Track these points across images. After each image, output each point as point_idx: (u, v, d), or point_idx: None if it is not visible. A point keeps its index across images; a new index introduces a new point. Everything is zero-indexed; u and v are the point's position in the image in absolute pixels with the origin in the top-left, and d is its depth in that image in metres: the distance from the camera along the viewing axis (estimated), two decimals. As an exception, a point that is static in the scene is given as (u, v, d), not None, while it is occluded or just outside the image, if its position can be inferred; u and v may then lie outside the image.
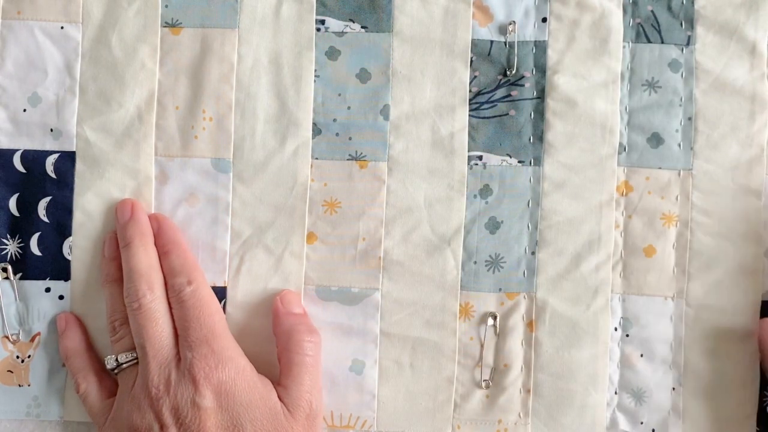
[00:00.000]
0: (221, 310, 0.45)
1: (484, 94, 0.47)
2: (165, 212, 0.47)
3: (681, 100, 0.47)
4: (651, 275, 0.47)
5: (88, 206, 0.47)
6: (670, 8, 0.47)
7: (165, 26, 0.47)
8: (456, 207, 0.47)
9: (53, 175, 0.47)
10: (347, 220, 0.47)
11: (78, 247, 0.47)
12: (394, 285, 0.47)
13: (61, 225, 0.47)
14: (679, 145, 0.47)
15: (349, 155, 0.47)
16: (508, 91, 0.47)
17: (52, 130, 0.47)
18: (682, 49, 0.47)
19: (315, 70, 0.47)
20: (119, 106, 0.47)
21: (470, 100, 0.47)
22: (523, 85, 0.47)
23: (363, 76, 0.47)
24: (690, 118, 0.47)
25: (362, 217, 0.47)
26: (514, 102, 0.47)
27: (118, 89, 0.47)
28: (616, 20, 0.47)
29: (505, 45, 0.47)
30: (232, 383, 0.42)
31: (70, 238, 0.47)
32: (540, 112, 0.47)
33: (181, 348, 0.43)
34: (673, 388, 0.46)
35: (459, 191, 0.47)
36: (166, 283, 0.45)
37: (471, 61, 0.47)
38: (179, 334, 0.44)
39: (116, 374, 0.45)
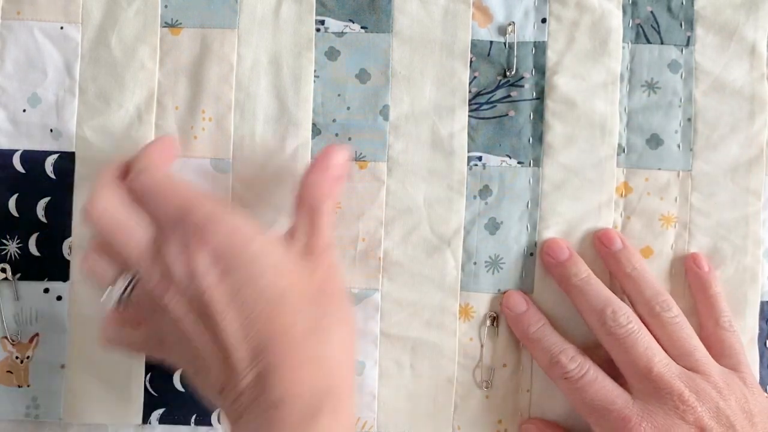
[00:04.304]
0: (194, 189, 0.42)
1: (483, 94, 0.47)
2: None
3: (680, 100, 0.47)
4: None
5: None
6: (669, 9, 0.47)
7: (165, 26, 0.47)
8: (455, 208, 0.47)
9: (52, 176, 0.47)
10: (347, 220, 0.47)
11: (77, 248, 0.47)
12: (393, 285, 0.47)
13: (61, 226, 0.47)
14: (679, 146, 0.47)
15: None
16: (507, 92, 0.47)
17: (51, 130, 0.47)
18: (682, 50, 0.47)
19: (315, 71, 0.47)
20: (119, 106, 0.47)
21: (470, 100, 0.47)
22: (522, 86, 0.47)
23: (363, 76, 0.47)
24: (689, 119, 0.47)
25: (362, 218, 0.47)
26: (514, 103, 0.47)
27: (117, 89, 0.47)
28: (616, 21, 0.47)
29: (505, 46, 0.47)
30: (227, 242, 0.39)
31: (70, 239, 0.47)
32: (539, 113, 0.47)
33: (158, 240, 0.40)
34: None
35: (458, 192, 0.47)
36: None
37: (470, 62, 0.47)
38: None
39: (123, 306, 0.41)
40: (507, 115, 0.47)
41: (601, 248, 0.46)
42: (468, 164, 0.47)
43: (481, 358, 0.47)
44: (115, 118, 0.47)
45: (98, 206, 0.40)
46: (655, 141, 0.47)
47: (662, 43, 0.47)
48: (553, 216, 0.47)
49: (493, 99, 0.47)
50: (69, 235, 0.47)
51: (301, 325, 0.39)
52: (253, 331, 0.38)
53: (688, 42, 0.47)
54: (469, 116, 0.47)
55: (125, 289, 0.40)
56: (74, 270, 0.47)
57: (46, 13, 0.47)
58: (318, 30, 0.47)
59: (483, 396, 0.47)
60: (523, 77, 0.47)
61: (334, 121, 0.47)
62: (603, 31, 0.47)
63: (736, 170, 0.47)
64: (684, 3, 0.47)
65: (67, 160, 0.47)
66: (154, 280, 0.39)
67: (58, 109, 0.47)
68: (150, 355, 0.43)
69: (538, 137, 0.47)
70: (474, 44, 0.47)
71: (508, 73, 0.47)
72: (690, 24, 0.47)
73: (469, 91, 0.47)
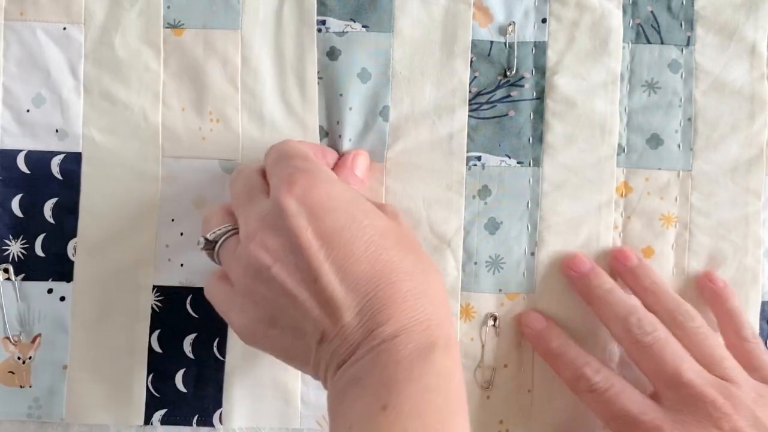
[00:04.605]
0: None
1: (483, 94, 0.47)
2: (172, 214, 0.47)
3: (680, 100, 0.47)
4: (650, 275, 0.47)
5: (94, 207, 0.47)
6: (669, 9, 0.47)
7: (167, 27, 0.47)
8: (455, 208, 0.47)
9: (59, 176, 0.47)
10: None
11: (82, 249, 0.47)
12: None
13: (66, 226, 0.47)
14: (679, 146, 0.47)
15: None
16: (507, 92, 0.47)
17: (57, 131, 0.47)
18: (682, 50, 0.47)
19: (318, 72, 0.47)
20: (124, 107, 0.47)
21: (470, 100, 0.47)
22: (522, 86, 0.47)
23: (364, 76, 0.47)
24: (689, 119, 0.47)
25: None
26: (514, 103, 0.47)
27: (123, 90, 0.47)
28: (616, 21, 0.47)
29: (505, 46, 0.47)
30: (317, 189, 0.38)
31: (74, 240, 0.47)
32: (539, 113, 0.47)
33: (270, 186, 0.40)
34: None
35: (458, 192, 0.47)
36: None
37: (471, 62, 0.47)
38: None
39: (217, 254, 0.41)
40: (507, 115, 0.47)
41: (617, 266, 0.46)
42: (467, 164, 0.47)
43: (482, 358, 0.47)
44: (121, 118, 0.47)
45: (241, 170, 0.42)
46: (655, 141, 0.47)
47: (662, 42, 0.47)
48: (553, 216, 0.47)
49: (493, 99, 0.47)
50: (74, 235, 0.47)
51: (403, 262, 0.38)
52: (355, 269, 0.37)
53: (689, 42, 0.47)
54: (469, 116, 0.47)
55: (223, 235, 0.40)
56: (78, 270, 0.47)
57: (48, 14, 0.47)
58: (320, 30, 0.47)
59: (484, 396, 0.47)
60: (523, 77, 0.47)
61: (338, 122, 0.47)
62: (603, 31, 0.47)
63: (736, 170, 0.47)
64: (684, 3, 0.47)
65: (73, 161, 0.47)
66: (251, 224, 0.39)
67: (63, 109, 0.47)
68: (239, 315, 0.40)
69: (538, 137, 0.47)
70: (474, 44, 0.47)
71: (508, 73, 0.47)
72: (690, 24, 0.47)
73: (470, 91, 0.47)
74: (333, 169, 0.45)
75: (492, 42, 0.47)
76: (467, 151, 0.47)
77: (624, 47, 0.47)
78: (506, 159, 0.47)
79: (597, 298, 0.44)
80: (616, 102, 0.47)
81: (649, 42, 0.47)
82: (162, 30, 0.47)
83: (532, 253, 0.47)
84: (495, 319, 0.47)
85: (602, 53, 0.47)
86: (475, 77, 0.47)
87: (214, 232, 0.41)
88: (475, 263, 0.47)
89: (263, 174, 0.41)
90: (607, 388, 0.42)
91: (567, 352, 0.44)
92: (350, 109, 0.47)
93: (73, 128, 0.47)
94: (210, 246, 0.41)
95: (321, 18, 0.47)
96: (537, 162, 0.47)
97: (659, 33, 0.47)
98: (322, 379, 0.39)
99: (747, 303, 0.46)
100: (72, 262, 0.47)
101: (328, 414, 0.38)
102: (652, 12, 0.47)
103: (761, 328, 0.46)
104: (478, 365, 0.47)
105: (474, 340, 0.47)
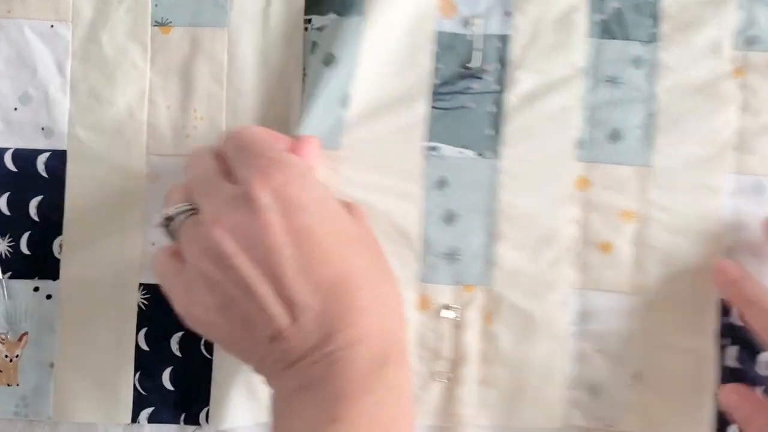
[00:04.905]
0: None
1: (445, 85, 0.47)
2: (156, 211, 0.46)
3: (643, 96, 0.47)
4: (608, 271, 0.46)
5: (80, 205, 0.47)
6: (635, 5, 0.47)
7: (155, 25, 0.48)
8: (413, 198, 0.47)
9: (44, 174, 0.48)
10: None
11: (68, 246, 0.47)
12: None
13: (52, 224, 0.48)
14: (639, 142, 0.47)
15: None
16: (469, 84, 0.47)
17: (43, 128, 0.48)
18: (647, 46, 0.47)
19: (303, 69, 0.47)
20: (110, 104, 0.47)
21: (431, 91, 0.47)
22: (484, 78, 0.47)
23: (328, 60, 0.46)
24: (651, 115, 0.47)
25: None
26: (475, 95, 0.47)
27: (109, 88, 0.47)
28: (581, 15, 0.47)
29: (469, 38, 0.47)
30: (292, 184, 0.38)
31: (60, 237, 0.48)
32: (500, 106, 0.47)
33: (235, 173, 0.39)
34: (629, 384, 0.46)
35: (416, 182, 0.47)
36: None
37: (434, 53, 0.47)
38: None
39: (173, 231, 0.40)
40: (468, 106, 0.47)
41: (719, 277, 0.45)
42: (426, 155, 0.47)
43: (439, 350, 0.47)
44: (107, 116, 0.47)
45: (197, 154, 0.41)
46: (615, 135, 0.47)
47: (627, 38, 0.47)
48: (511, 208, 0.47)
49: (454, 90, 0.47)
50: (60, 233, 0.47)
51: (367, 270, 0.38)
52: (320, 271, 0.37)
53: (654, 38, 0.47)
54: (430, 107, 0.47)
55: (183, 213, 0.40)
56: (64, 269, 0.48)
57: (36, 12, 0.48)
58: (306, 29, 0.47)
59: (441, 388, 0.47)
60: (485, 70, 0.47)
61: (303, 124, 0.45)
62: (568, 26, 0.47)
63: (697, 166, 0.46)
64: (650, -1, 0.47)
65: (59, 159, 0.48)
66: (216, 208, 0.38)
67: (50, 107, 0.48)
68: (184, 295, 0.40)
69: (498, 130, 0.47)
70: (438, 35, 0.47)
71: (470, 65, 0.47)
72: (655, 20, 0.47)
73: (432, 82, 0.47)
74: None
75: (456, 34, 0.47)
76: (426, 141, 0.47)
77: (588, 42, 0.47)
78: (465, 150, 0.47)
79: (752, 304, 0.43)
80: (578, 97, 0.47)
81: (613, 37, 0.47)
82: (150, 28, 0.48)
83: (490, 246, 0.47)
84: (453, 311, 0.47)
85: (566, 48, 0.47)
86: (437, 68, 0.47)
87: (175, 208, 0.40)
88: (433, 255, 0.47)
89: (219, 158, 0.41)
90: None
91: (763, 300, 0.43)
92: (310, 93, 0.46)
93: (59, 126, 0.48)
94: (167, 223, 0.41)
95: (307, 17, 0.47)
96: (496, 154, 0.47)
97: (624, 29, 0.47)
98: (266, 375, 0.39)
99: (703, 300, 0.46)
100: (58, 260, 0.47)
101: (271, 413, 0.38)
102: (617, 8, 0.47)
103: (720, 324, 0.46)
104: (435, 357, 0.47)
105: (431, 332, 0.47)
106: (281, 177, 0.38)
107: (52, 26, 0.48)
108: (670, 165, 0.47)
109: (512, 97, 0.47)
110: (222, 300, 0.38)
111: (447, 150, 0.47)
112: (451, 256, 0.47)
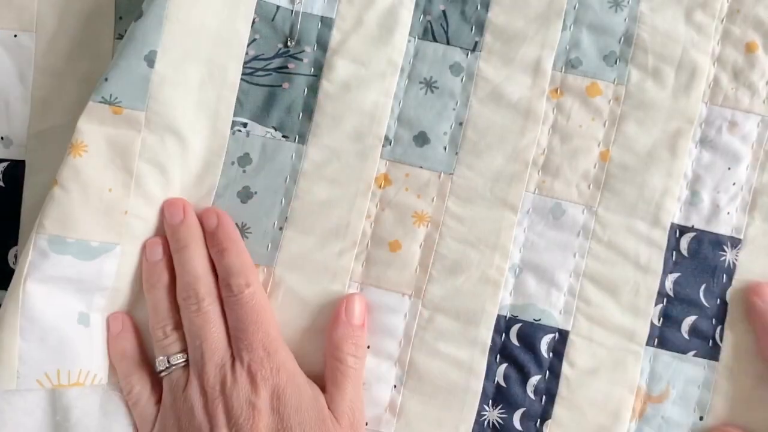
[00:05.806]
0: (274, 313, 0.45)
1: (260, 60, 0.46)
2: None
3: (456, 104, 0.47)
4: (392, 270, 0.46)
5: (36, 216, 0.44)
6: (462, 11, 0.47)
7: (118, 38, 0.47)
8: (211, 171, 0.46)
9: (2, 184, 0.47)
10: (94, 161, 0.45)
11: (24, 256, 0.43)
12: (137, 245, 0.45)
13: (8, 234, 0.47)
14: (445, 148, 0.47)
15: (102, 98, 0.44)
16: (285, 63, 0.46)
17: (2, 138, 0.46)
18: (467, 54, 0.47)
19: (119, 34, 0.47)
20: (69, 114, 0.46)
21: (245, 63, 0.46)
22: (301, 60, 0.46)
23: (138, 16, 0.44)
24: (461, 123, 0.47)
25: (110, 166, 0.44)
26: (290, 75, 0.46)
27: (68, 99, 0.46)
28: (407, 13, 0.47)
29: (291, 14, 0.46)
30: (285, 386, 0.43)
31: (15, 248, 0.46)
32: (314, 90, 0.46)
33: (237, 350, 0.43)
34: (394, 386, 0.46)
35: (217, 155, 0.46)
36: (218, 283, 0.45)
37: (253, 22, 0.46)
38: (233, 336, 0.43)
39: (162, 377, 0.44)
40: (281, 86, 0.46)
41: (755, 301, 0.45)
42: (232, 129, 0.46)
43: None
44: (67, 127, 0.45)
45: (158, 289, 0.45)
46: (422, 139, 0.47)
47: (448, 43, 0.47)
48: (307, 195, 0.46)
49: (269, 66, 0.46)
50: (15, 243, 0.47)
51: None
52: None
53: (475, 47, 0.47)
54: (241, 79, 0.46)
55: (177, 363, 0.44)
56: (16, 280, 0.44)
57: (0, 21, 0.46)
58: None
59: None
60: (304, 50, 0.46)
61: (106, 80, 0.44)
62: (392, 21, 0.46)
63: (498, 181, 0.47)
64: (479, 7, 0.47)
65: (17, 168, 0.47)
66: (213, 378, 0.42)
67: (10, 116, 0.47)
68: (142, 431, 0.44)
69: (308, 115, 0.46)
70: (260, 5, 0.46)
71: (289, 43, 0.46)
72: (480, 29, 0.47)
73: (246, 53, 0.46)
74: (331, 323, 0.46)
75: (278, 7, 0.46)
76: (234, 116, 0.46)
77: (409, 41, 0.47)
78: (272, 131, 0.46)
79: None
80: (391, 94, 0.46)
81: (435, 40, 0.47)
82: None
83: (281, 228, 0.46)
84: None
85: (387, 43, 0.46)
86: (254, 39, 0.46)
87: (175, 363, 0.44)
88: (222, 228, 0.46)
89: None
90: None
91: None
92: (119, 50, 0.44)
93: (18, 135, 0.46)
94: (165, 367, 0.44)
95: None
96: (303, 139, 0.46)
97: (447, 33, 0.47)
98: None
99: (483, 313, 0.46)
100: (12, 270, 0.44)
101: None
102: (444, 11, 0.47)
103: (494, 341, 0.46)
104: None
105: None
106: (281, 381, 0.43)
107: (15, 36, 0.47)
108: (471, 176, 0.47)
109: (326, 83, 0.46)
110: None
111: (255, 128, 0.46)
112: (240, 231, 0.46)
